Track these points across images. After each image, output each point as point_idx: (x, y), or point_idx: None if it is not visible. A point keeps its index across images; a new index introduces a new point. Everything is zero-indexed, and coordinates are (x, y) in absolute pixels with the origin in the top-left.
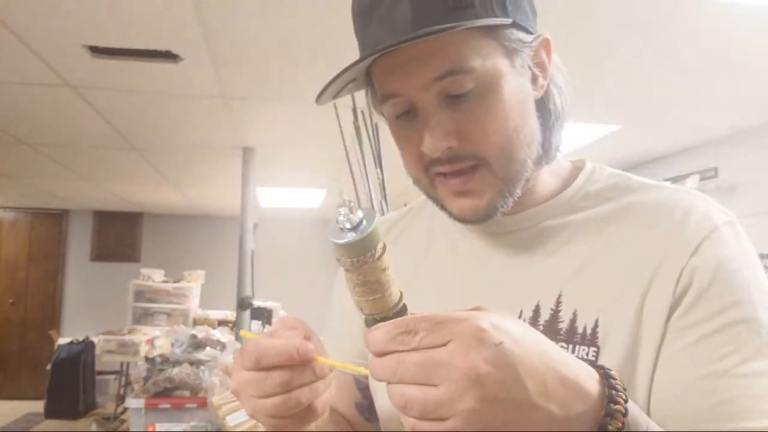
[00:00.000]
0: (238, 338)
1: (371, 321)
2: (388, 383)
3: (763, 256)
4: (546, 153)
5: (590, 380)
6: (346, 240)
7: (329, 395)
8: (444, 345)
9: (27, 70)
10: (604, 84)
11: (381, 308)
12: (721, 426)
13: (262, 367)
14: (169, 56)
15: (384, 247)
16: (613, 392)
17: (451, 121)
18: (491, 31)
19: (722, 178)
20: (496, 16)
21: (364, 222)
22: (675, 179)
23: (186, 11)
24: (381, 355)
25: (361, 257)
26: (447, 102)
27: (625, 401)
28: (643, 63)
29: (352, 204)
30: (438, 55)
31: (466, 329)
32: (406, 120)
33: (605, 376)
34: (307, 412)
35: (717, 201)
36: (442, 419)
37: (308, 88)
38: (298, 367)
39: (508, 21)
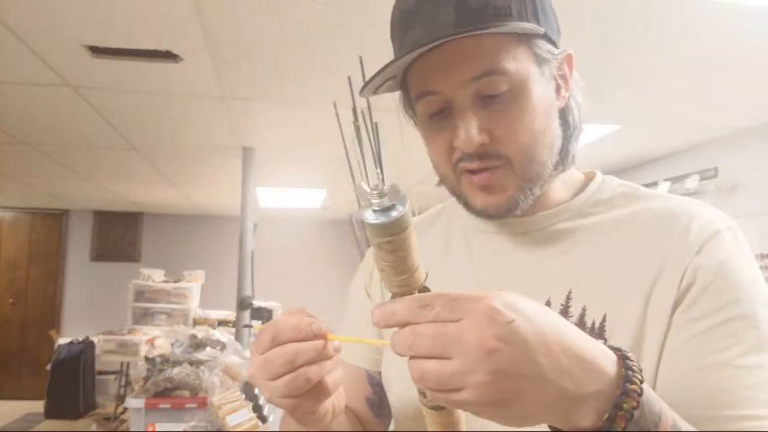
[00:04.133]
0: (237, 338)
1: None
2: (409, 358)
3: (763, 256)
4: (563, 160)
5: (607, 360)
6: (389, 218)
7: (339, 374)
8: (458, 321)
9: (27, 70)
10: (604, 84)
11: (410, 287)
12: (721, 412)
13: (277, 343)
14: (169, 56)
15: (411, 228)
16: (630, 372)
17: (485, 120)
18: (525, 39)
19: (722, 178)
20: None
21: (397, 202)
22: (675, 179)
23: (186, 11)
24: (400, 324)
25: (398, 236)
26: (481, 101)
27: (641, 381)
28: (643, 63)
29: (381, 186)
30: (476, 57)
31: (480, 307)
32: (440, 119)
33: (623, 357)
34: (319, 389)
35: (717, 201)
36: (456, 390)
37: (308, 88)
38: (305, 344)
39: (542, 31)
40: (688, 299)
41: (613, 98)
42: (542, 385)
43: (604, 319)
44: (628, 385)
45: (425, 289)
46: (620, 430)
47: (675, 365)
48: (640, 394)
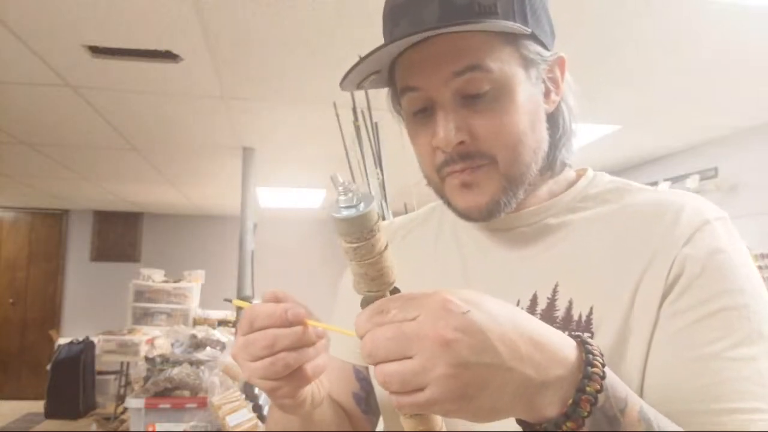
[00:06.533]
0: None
1: (369, 302)
2: (374, 365)
3: (763, 256)
4: (551, 165)
5: (567, 346)
6: (357, 213)
7: (322, 362)
8: (414, 319)
9: (27, 70)
10: (604, 84)
11: (379, 286)
12: (711, 406)
13: (254, 328)
14: (169, 56)
15: (380, 224)
16: (590, 356)
17: (465, 119)
18: (511, 39)
19: (722, 178)
20: None
21: (363, 198)
22: (675, 179)
23: (186, 11)
24: (361, 337)
25: (367, 231)
26: (463, 101)
27: (603, 365)
28: (643, 63)
29: (348, 183)
30: (459, 53)
31: (434, 302)
32: (423, 117)
33: (582, 342)
34: (299, 375)
35: (717, 201)
36: (420, 389)
37: (308, 88)
38: (284, 330)
39: (528, 31)
40: (676, 291)
41: (613, 98)
42: (504, 373)
43: (590, 312)
44: (589, 368)
45: (396, 292)
46: (585, 414)
47: (663, 358)
48: (603, 377)
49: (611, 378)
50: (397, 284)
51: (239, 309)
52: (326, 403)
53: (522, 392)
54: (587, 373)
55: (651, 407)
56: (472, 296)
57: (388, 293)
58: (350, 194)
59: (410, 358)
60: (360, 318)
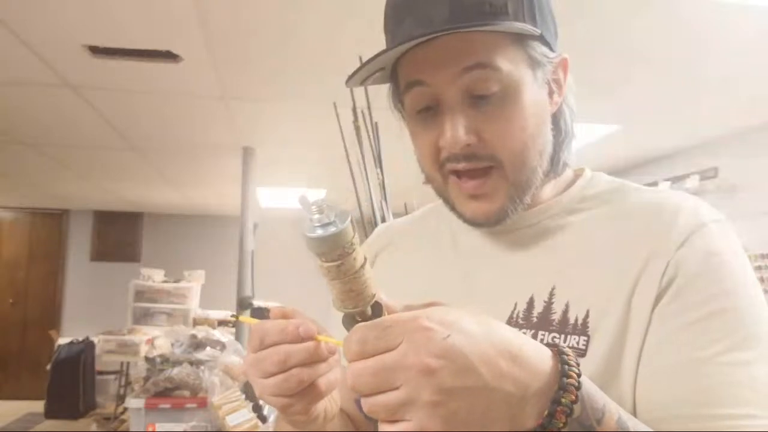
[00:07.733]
0: (237, 338)
1: (350, 318)
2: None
3: (763, 256)
4: (554, 167)
5: (544, 358)
6: (336, 229)
7: (334, 376)
8: (395, 348)
9: (27, 70)
10: (604, 84)
11: (362, 300)
12: (702, 411)
13: (265, 345)
14: (169, 56)
15: (357, 239)
16: (566, 367)
17: (473, 120)
18: (520, 40)
19: (722, 178)
20: None
21: (336, 217)
22: (675, 179)
23: (186, 11)
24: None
25: (348, 246)
26: (470, 101)
27: (578, 375)
28: (644, 63)
29: (320, 201)
30: (469, 51)
31: (413, 329)
32: (427, 115)
33: (558, 352)
34: (311, 391)
35: (717, 201)
36: (408, 420)
37: (308, 88)
38: (297, 346)
39: (537, 32)
40: (669, 293)
41: (613, 98)
42: (488, 394)
43: (587, 315)
44: (564, 379)
45: (377, 306)
46: (561, 425)
47: (655, 361)
48: (578, 388)
49: (588, 388)
50: (395, 287)
51: (240, 309)
52: (337, 416)
53: (505, 409)
54: (563, 384)
55: (631, 416)
56: (449, 317)
57: (369, 308)
58: (324, 212)
59: (396, 388)
60: (345, 350)
